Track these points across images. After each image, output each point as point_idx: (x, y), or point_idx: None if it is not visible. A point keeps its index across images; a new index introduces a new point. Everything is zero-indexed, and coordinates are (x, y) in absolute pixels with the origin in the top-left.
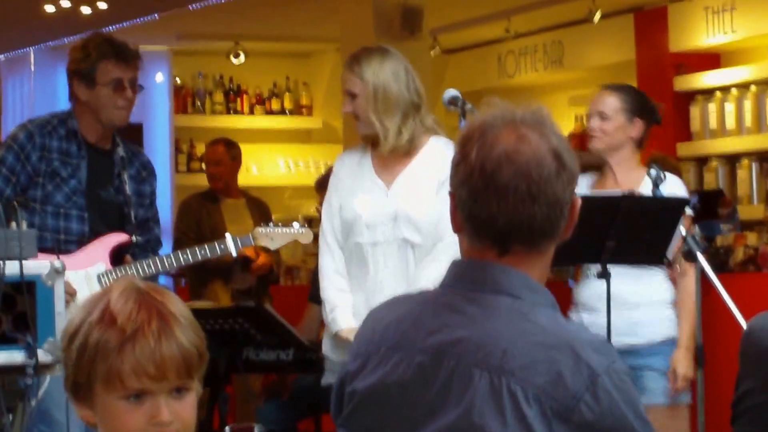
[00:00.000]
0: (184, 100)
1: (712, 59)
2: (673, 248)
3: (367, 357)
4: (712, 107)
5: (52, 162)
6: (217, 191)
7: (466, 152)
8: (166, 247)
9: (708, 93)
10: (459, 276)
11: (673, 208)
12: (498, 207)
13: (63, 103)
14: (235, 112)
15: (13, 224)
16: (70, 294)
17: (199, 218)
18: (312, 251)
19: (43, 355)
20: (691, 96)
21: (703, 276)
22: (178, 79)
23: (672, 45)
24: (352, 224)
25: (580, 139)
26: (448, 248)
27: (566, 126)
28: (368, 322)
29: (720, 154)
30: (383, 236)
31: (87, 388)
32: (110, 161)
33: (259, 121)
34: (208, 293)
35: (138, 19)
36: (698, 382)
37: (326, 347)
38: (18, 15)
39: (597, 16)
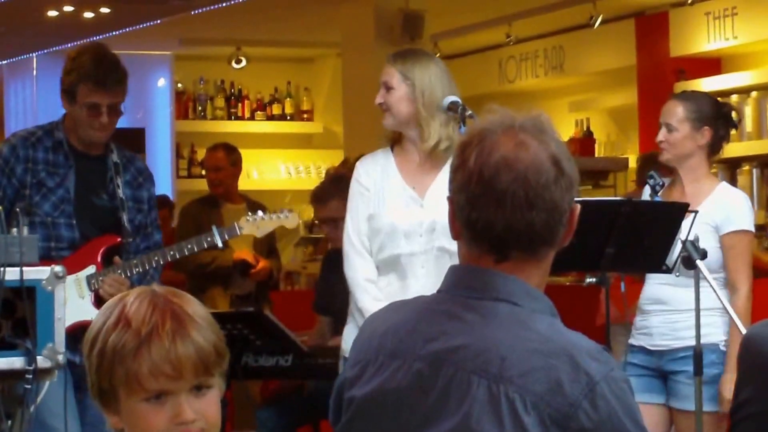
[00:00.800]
0: (185, 105)
1: (712, 65)
2: (674, 255)
3: (366, 364)
4: None
5: (38, 173)
6: (218, 196)
7: (465, 158)
8: None
9: None
10: (457, 282)
11: (673, 214)
12: (496, 213)
13: None
14: (237, 117)
15: (14, 230)
16: None
17: (200, 224)
18: (312, 257)
19: (42, 361)
20: None
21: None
22: (179, 84)
23: (673, 50)
24: (387, 235)
25: (581, 143)
26: None
27: (566, 131)
28: (366, 329)
29: (721, 159)
30: (420, 246)
31: (111, 394)
32: (103, 167)
33: (260, 126)
34: (207, 299)
35: (140, 24)
36: (695, 388)
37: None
38: (21, 19)
39: (598, 22)
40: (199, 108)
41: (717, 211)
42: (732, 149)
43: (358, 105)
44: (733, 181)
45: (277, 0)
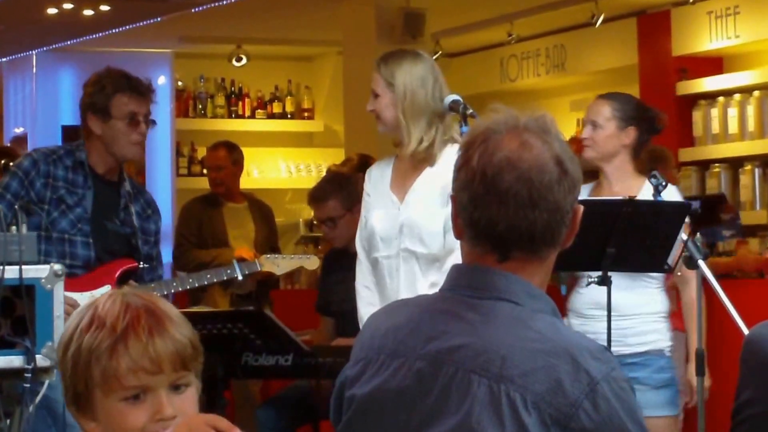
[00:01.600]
0: (185, 103)
1: (715, 64)
2: (675, 255)
3: (367, 363)
4: (715, 112)
5: (58, 190)
6: (219, 195)
7: (468, 157)
8: (167, 254)
9: (711, 98)
10: (459, 281)
11: (674, 214)
12: (498, 213)
13: (64, 105)
14: (237, 115)
15: (14, 228)
16: (71, 305)
17: (200, 222)
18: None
19: (41, 360)
20: (693, 101)
21: (705, 283)
22: (179, 82)
23: (675, 49)
24: (369, 239)
25: (581, 143)
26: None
27: (568, 130)
28: (367, 328)
29: (722, 159)
30: (394, 249)
31: (87, 396)
32: (117, 194)
33: (261, 125)
34: (207, 298)
35: (140, 22)
36: (698, 389)
37: None
38: (21, 17)
39: (599, 21)
40: (200, 106)
41: None
42: (734, 149)
43: (358, 103)
44: (735, 181)
45: None
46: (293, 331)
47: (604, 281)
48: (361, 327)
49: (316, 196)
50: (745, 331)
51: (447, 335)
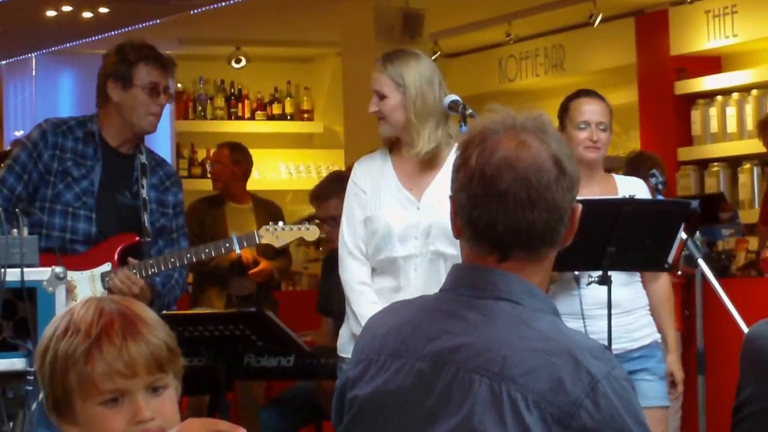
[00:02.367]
0: (185, 104)
1: (713, 63)
2: (674, 253)
3: (368, 364)
4: (713, 111)
5: (65, 161)
6: (223, 195)
7: (467, 157)
8: None
9: (709, 97)
10: (459, 281)
11: (674, 212)
12: (497, 213)
13: (64, 107)
14: (237, 117)
15: (15, 231)
16: (68, 290)
17: (203, 222)
18: (314, 257)
19: None
20: (692, 100)
21: (704, 281)
22: (179, 84)
23: (673, 49)
24: (383, 237)
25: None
26: None
27: None
28: (369, 329)
29: (721, 158)
30: (415, 249)
31: (66, 402)
32: (130, 166)
33: (261, 126)
34: (205, 299)
35: (139, 24)
36: (699, 387)
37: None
38: (20, 19)
39: (598, 20)
40: (199, 108)
41: None
42: (732, 147)
43: (358, 104)
44: (734, 180)
45: None
46: (294, 332)
47: (605, 280)
48: (353, 324)
49: (318, 195)
50: (745, 329)
51: (448, 335)
